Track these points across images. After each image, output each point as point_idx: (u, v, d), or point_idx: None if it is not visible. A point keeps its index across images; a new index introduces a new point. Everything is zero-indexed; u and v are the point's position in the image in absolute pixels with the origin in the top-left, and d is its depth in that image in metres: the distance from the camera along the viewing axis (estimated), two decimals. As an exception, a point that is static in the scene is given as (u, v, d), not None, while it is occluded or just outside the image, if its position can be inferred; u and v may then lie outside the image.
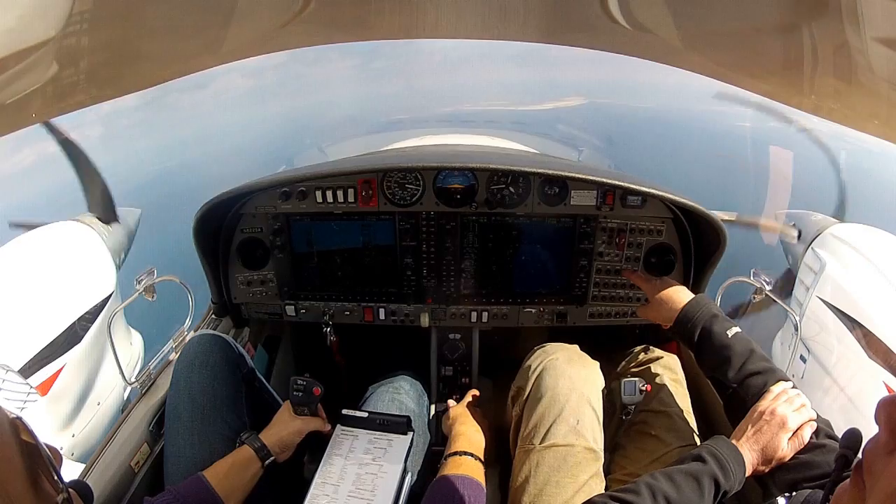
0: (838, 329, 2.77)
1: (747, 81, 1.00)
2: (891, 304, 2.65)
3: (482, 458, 1.43)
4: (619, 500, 1.08)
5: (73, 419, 2.86)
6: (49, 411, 2.68)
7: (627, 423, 1.62)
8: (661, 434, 1.52)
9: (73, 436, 2.84)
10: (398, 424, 1.46)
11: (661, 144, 9.73)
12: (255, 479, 1.37)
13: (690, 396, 1.64)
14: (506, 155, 2.44)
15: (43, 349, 2.66)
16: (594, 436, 1.39)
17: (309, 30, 1.13)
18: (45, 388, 2.66)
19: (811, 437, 1.20)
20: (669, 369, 1.69)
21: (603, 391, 1.50)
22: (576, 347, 1.61)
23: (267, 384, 1.71)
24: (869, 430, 0.61)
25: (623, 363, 1.81)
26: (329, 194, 1.83)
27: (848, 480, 0.63)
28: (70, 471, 1.19)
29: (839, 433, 1.09)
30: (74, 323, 2.86)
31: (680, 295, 1.57)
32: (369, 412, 1.52)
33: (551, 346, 1.60)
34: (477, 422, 1.59)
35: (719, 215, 1.67)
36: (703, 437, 1.46)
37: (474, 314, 2.00)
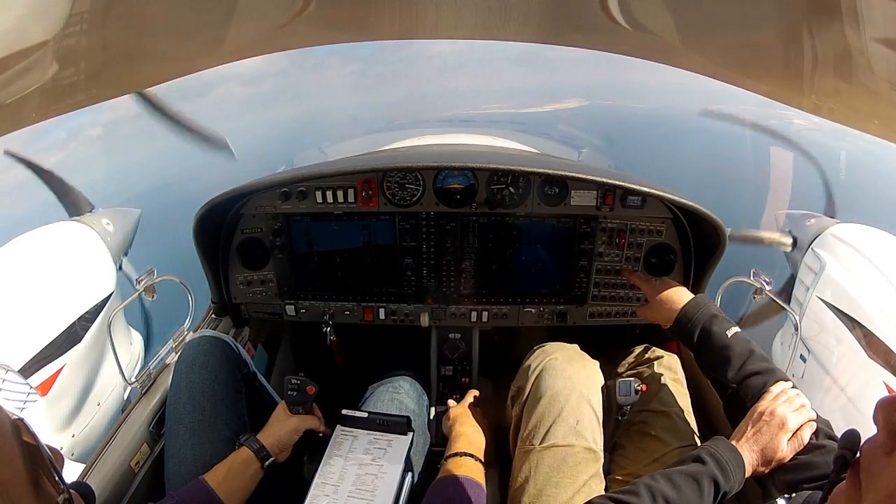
0: (838, 329, 2.77)
1: (747, 81, 1.00)
2: (891, 304, 2.65)
3: (482, 459, 1.43)
4: (618, 501, 1.08)
5: (72, 419, 2.85)
6: (49, 411, 2.67)
7: (627, 424, 1.62)
8: (661, 434, 1.52)
9: (73, 436, 2.83)
10: (398, 424, 1.46)
11: (660, 145, 9.73)
12: (256, 481, 1.37)
13: (690, 396, 1.64)
14: (506, 155, 2.43)
15: (43, 349, 2.66)
16: (594, 436, 1.39)
17: (309, 30, 1.13)
18: (45, 388, 2.65)
19: (811, 438, 1.19)
20: (669, 369, 1.69)
21: (602, 391, 1.50)
22: (576, 347, 1.61)
23: (267, 384, 1.72)
24: (869, 430, 0.61)
25: (623, 363, 1.81)
26: (329, 194, 1.83)
27: (845, 480, 0.63)
28: (70, 471, 1.19)
29: (839, 433, 1.09)
30: (74, 323, 2.85)
31: (680, 295, 1.57)
32: (369, 412, 1.52)
33: (551, 346, 1.60)
34: (477, 422, 1.59)
35: None
36: (703, 437, 1.46)
37: (474, 314, 2.00)
